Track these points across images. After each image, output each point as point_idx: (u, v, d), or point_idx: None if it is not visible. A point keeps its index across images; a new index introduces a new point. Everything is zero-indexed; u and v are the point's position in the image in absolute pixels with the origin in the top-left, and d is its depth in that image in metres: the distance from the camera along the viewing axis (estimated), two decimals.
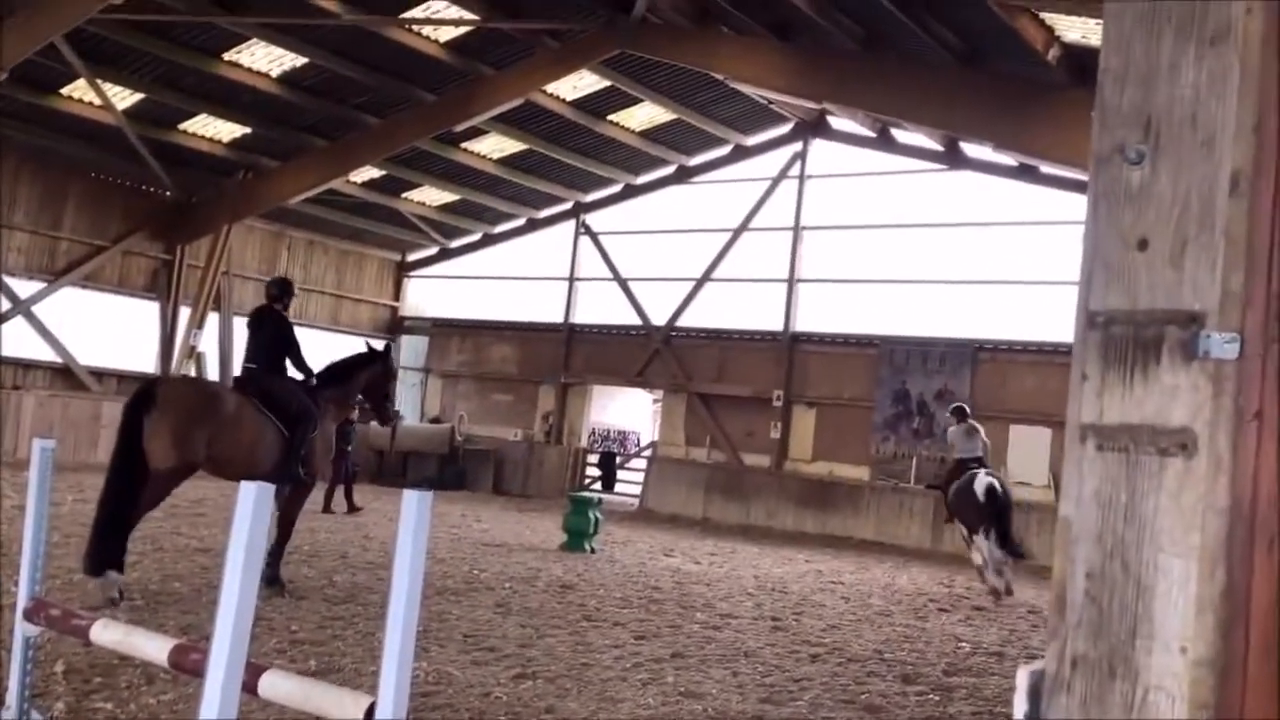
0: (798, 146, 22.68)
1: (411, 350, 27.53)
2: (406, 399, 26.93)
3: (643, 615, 9.20)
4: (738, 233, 23.10)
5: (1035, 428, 18.87)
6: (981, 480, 12.18)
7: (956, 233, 20.44)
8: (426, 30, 17.99)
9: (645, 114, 21.70)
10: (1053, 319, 18.37)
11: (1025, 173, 19.46)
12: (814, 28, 15.50)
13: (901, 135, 20.98)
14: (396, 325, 27.72)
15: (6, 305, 20.26)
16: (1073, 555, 1.74)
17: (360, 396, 9.66)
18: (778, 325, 22.34)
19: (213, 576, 8.86)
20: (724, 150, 23.57)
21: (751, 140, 23.17)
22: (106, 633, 4.00)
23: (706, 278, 23.34)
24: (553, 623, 8.43)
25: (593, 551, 13.55)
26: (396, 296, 27.81)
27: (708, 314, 23.37)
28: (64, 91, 19.10)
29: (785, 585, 12.32)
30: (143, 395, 7.95)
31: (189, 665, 3.63)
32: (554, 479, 23.65)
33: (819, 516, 19.70)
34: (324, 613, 7.88)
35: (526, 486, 23.66)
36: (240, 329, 23.27)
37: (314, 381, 9.01)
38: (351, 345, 25.65)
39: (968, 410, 14.27)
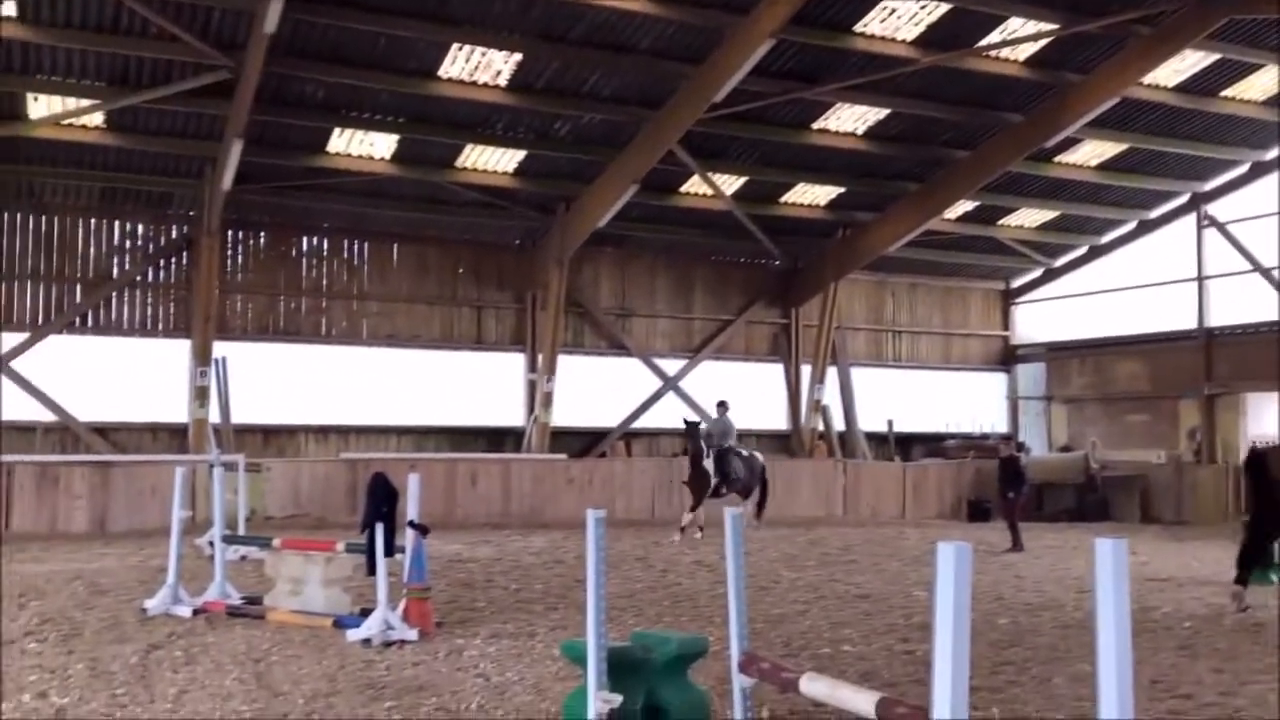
0: None
1: (1029, 379, 26.66)
2: (1031, 429, 26.02)
3: None
4: None
5: None
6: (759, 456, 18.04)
7: None
8: (1004, 52, 17.55)
9: (1269, 79, 19.08)
10: None
11: None
12: None
13: None
14: (1009, 355, 27.00)
15: (659, 384, 23.10)
16: None
17: None
18: None
19: (875, 623, 9.16)
20: None
21: None
22: (814, 685, 4.27)
23: None
24: (1253, 668, 7.47)
25: None
26: (1005, 326, 27.13)
27: None
28: (681, 189, 21.49)
29: None
30: (1256, 454, 11.32)
31: (895, 719, 3.73)
32: (1210, 502, 21.40)
33: None
34: (993, 658, 7.73)
35: (1181, 512, 21.60)
36: (857, 378, 24.36)
37: None
38: (965, 381, 25.99)
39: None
